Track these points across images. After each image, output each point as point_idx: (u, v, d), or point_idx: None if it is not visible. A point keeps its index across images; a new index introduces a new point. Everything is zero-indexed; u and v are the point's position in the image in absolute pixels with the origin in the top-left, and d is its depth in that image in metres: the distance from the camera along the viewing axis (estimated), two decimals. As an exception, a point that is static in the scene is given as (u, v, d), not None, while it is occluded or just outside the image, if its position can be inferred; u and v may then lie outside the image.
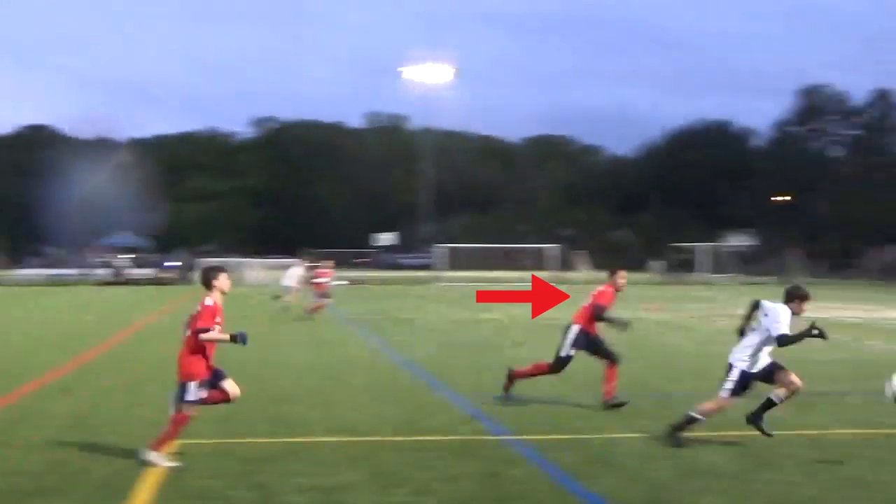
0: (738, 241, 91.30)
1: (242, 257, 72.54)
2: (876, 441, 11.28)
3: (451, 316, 33.53)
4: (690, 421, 11.03)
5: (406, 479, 9.21)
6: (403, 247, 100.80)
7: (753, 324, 11.08)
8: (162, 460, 9.56)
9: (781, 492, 8.93)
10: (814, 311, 12.31)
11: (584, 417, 12.72)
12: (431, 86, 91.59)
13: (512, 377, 14.03)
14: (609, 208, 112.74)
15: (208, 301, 9.82)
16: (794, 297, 10.96)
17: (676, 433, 10.98)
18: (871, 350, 22.48)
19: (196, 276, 65.19)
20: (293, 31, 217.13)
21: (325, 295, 31.03)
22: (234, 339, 9.71)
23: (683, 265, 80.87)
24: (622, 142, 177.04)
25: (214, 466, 9.67)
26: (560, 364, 13.70)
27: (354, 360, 19.62)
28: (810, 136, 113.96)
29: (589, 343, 13.71)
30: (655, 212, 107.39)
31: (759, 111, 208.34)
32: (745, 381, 10.94)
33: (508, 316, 32.80)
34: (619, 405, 13.27)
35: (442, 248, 77.31)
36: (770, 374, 10.98)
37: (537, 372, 14.02)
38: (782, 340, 10.68)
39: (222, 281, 10.00)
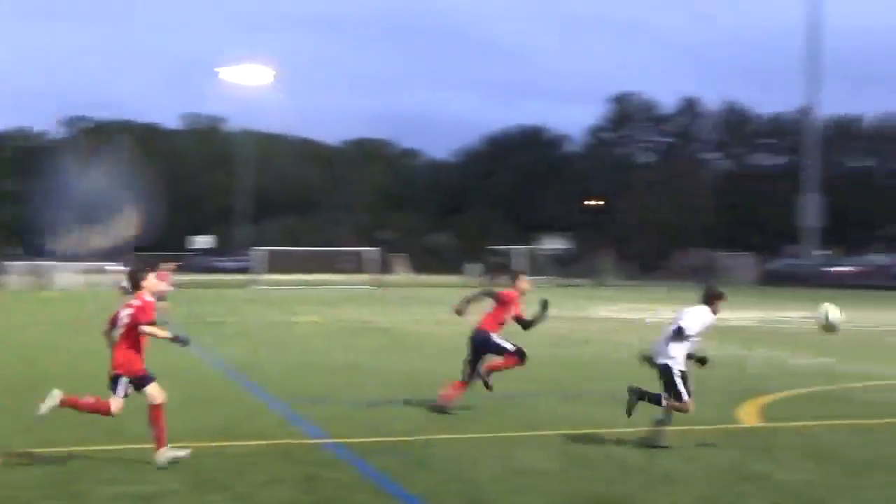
0: (553, 243, 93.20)
1: (53, 261, 70.40)
2: (684, 436, 11.64)
3: (269, 319, 33.22)
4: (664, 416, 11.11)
5: (224, 485, 9.06)
6: (221, 250, 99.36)
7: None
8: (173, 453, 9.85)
9: (597, 489, 9.12)
10: (626, 312, 12.66)
11: (403, 419, 12.76)
12: (250, 88, 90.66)
13: (489, 368, 13.63)
14: (428, 212, 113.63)
15: (147, 297, 10.05)
16: (712, 298, 11.24)
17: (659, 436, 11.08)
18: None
19: (5, 279, 62.71)
20: (107, 31, 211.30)
21: (160, 299, 30.25)
22: (175, 339, 9.98)
23: (501, 268, 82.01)
24: (441, 146, 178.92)
25: (29, 476, 9.32)
26: (521, 354, 13.49)
27: (170, 365, 19.14)
28: (621, 142, 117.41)
29: (483, 344, 13.62)
30: (473, 215, 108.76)
31: (572, 118, 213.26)
32: (685, 378, 11.07)
33: (326, 318, 32.68)
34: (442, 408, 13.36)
35: (260, 251, 76.45)
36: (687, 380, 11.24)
37: (506, 366, 13.71)
38: (677, 333, 10.86)
39: (151, 281, 10.22)
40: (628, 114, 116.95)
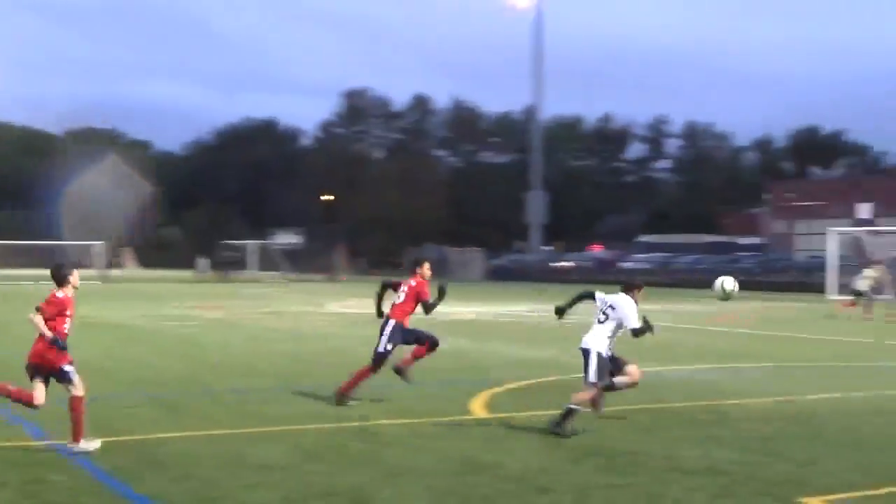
0: (286, 238, 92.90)
1: None
2: (415, 429, 11.87)
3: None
4: (570, 413, 11.29)
5: (-63, 492, 8.59)
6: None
7: (600, 315, 11.74)
8: (90, 444, 10.27)
9: (328, 482, 9.17)
10: (358, 307, 12.81)
11: (131, 418, 12.43)
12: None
13: (342, 392, 13.50)
14: (158, 205, 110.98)
15: (59, 294, 10.31)
16: (633, 288, 11.94)
17: (562, 427, 11.23)
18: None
19: None
20: None
21: None
22: (54, 341, 10.11)
23: (234, 263, 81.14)
24: (170, 138, 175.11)
25: None
26: (380, 361, 13.47)
27: None
28: (354, 137, 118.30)
29: (405, 335, 13.65)
30: (204, 209, 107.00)
31: (306, 112, 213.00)
32: (605, 364, 11.58)
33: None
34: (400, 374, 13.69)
35: (-26, 245, 72.70)
36: (615, 362, 11.92)
37: (361, 378, 13.60)
38: (637, 332, 11.63)
39: (76, 277, 10.57)
40: (360, 109, 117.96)
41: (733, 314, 34.39)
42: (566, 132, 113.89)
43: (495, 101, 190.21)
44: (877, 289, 34.74)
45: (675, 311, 37.12)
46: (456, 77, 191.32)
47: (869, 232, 59.69)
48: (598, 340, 11.71)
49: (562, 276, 72.76)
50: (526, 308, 37.33)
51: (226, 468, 9.67)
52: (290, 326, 28.56)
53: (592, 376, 11.59)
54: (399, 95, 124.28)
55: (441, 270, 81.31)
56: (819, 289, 51.22)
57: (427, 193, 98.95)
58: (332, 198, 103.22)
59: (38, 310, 10.15)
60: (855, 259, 53.63)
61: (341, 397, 13.45)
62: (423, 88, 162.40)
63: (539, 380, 16.46)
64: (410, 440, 11.20)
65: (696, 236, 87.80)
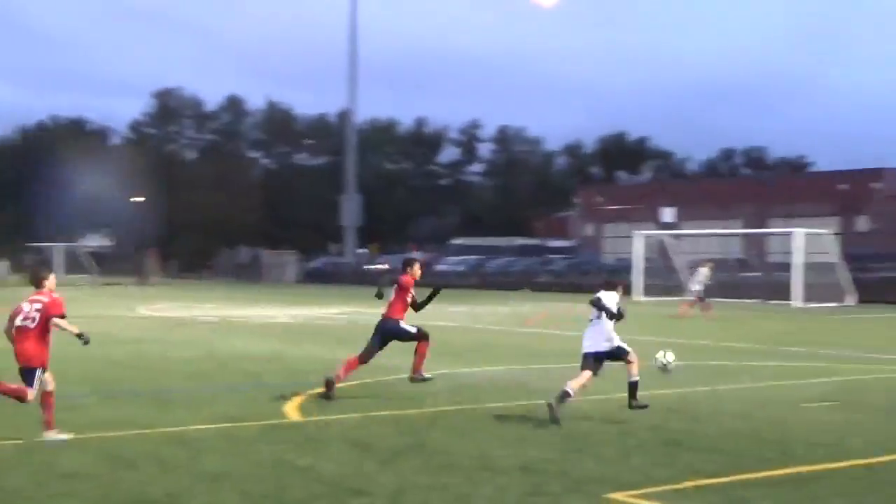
0: (95, 241, 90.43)
1: None
2: (230, 433, 11.77)
3: None
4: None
5: None
6: None
7: (591, 316, 12.83)
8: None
9: (140, 489, 9.02)
10: (168, 310, 12.61)
11: (-69, 428, 11.95)
12: None
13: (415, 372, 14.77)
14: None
15: (56, 295, 11.04)
16: (615, 285, 13.22)
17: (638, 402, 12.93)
18: (225, 347, 23.30)
19: None
20: None
21: None
22: (80, 335, 11.02)
23: (40, 265, 78.38)
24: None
25: None
26: (426, 333, 14.71)
27: None
28: (165, 137, 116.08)
29: (392, 332, 14.77)
30: (6, 211, 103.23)
31: (116, 111, 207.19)
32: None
33: None
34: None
35: None
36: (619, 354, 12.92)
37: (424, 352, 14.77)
38: (611, 315, 12.62)
39: (52, 280, 11.23)
40: (172, 109, 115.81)
41: (544, 316, 35.12)
42: (381, 135, 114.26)
43: (310, 103, 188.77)
44: (705, 290, 35.94)
45: (487, 312, 37.67)
46: (270, 79, 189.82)
47: (672, 235, 61.81)
48: (598, 341, 12.78)
49: (377, 279, 72.89)
50: (339, 310, 37.32)
51: (33, 478, 9.41)
52: (99, 331, 27.75)
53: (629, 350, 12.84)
54: (212, 96, 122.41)
55: (255, 273, 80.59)
56: (625, 290, 52.68)
57: (241, 195, 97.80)
58: (142, 199, 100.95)
59: (54, 313, 10.84)
60: (660, 261, 55.54)
61: (415, 379, 14.85)
62: (237, 89, 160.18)
63: (354, 382, 16.49)
64: (225, 445, 11.10)
65: (508, 239, 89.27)
